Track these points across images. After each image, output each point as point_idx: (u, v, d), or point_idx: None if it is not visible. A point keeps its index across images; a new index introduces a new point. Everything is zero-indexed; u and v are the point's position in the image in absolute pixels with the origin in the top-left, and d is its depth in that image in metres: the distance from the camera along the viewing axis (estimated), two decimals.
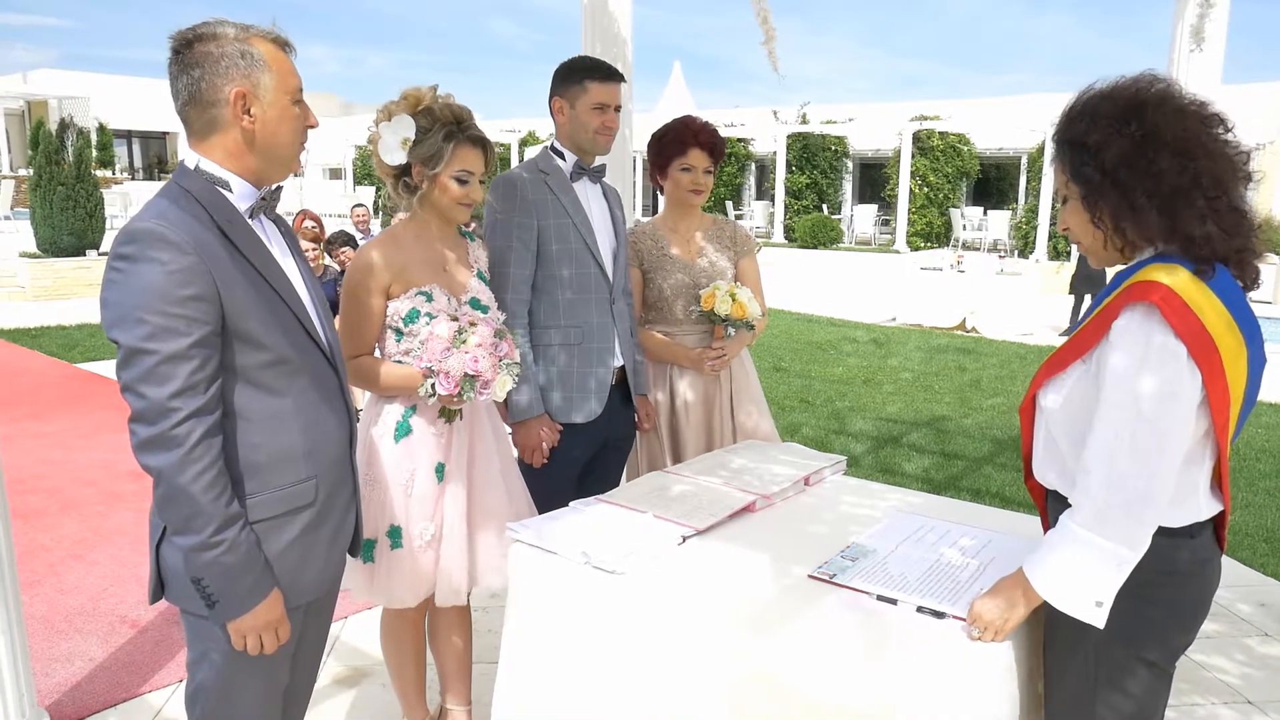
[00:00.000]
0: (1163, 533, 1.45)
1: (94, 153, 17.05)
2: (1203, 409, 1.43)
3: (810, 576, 1.79)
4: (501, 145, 26.72)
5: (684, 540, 1.98)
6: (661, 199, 3.10)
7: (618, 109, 2.68)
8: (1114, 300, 1.48)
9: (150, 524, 1.64)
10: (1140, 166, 1.44)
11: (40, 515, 4.50)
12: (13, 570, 2.35)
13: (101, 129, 25.43)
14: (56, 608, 3.50)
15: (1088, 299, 10.83)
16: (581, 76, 2.64)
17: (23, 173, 20.56)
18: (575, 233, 2.64)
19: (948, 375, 8.32)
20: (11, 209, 19.20)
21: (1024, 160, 21.43)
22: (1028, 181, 20.96)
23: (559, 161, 2.69)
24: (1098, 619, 1.45)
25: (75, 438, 5.85)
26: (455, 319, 2.14)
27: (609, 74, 2.65)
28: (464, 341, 2.10)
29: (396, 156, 2.17)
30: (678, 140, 2.90)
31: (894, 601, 1.67)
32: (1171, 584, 1.51)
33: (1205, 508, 1.51)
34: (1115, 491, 1.41)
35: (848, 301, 13.34)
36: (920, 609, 1.64)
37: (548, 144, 2.75)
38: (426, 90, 2.20)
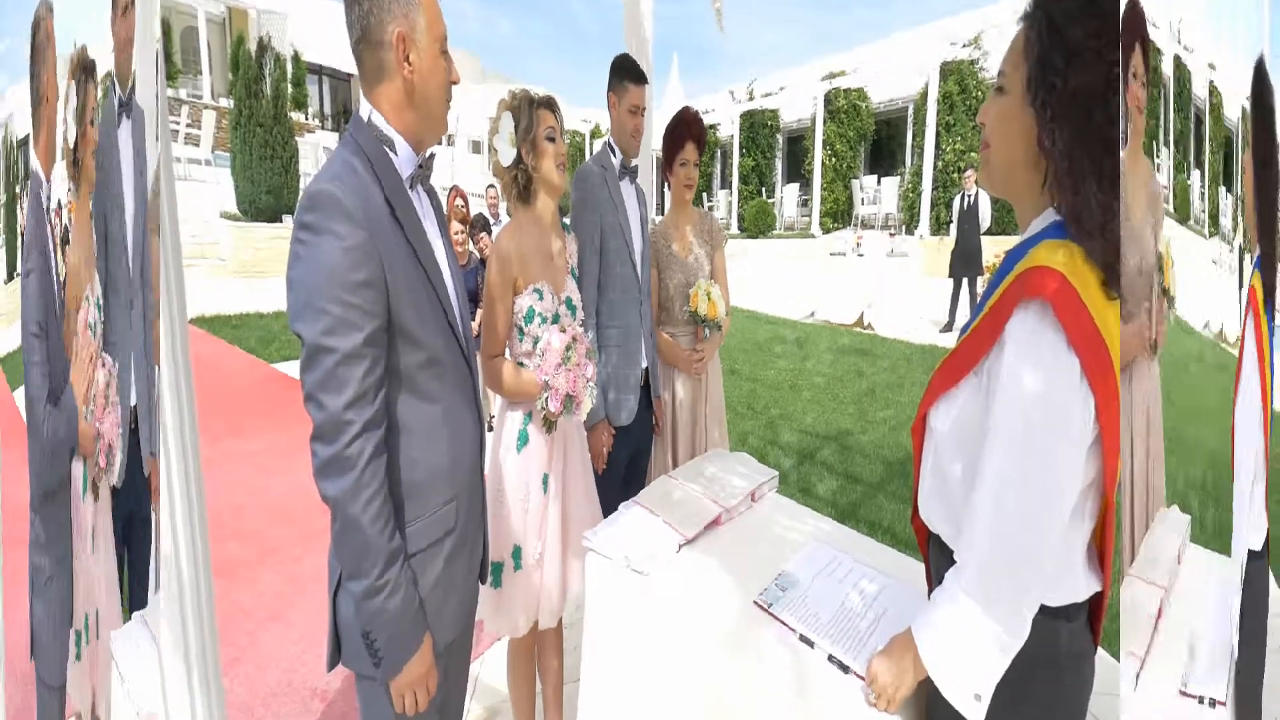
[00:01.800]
0: (1039, 611, 1.26)
1: (289, 88, 16.85)
2: (1094, 449, 1.20)
3: (755, 603, 1.76)
4: (578, 134, 24.89)
5: (679, 548, 2.01)
6: (669, 197, 3.01)
7: (644, 111, 2.68)
8: (1006, 293, 1.25)
9: (329, 568, 1.53)
10: (1103, 112, 1.15)
11: (239, 568, 3.92)
12: (215, 660, 1.79)
13: (296, 59, 23.65)
14: (255, 690, 3.02)
15: (965, 283, 10.25)
16: (623, 76, 2.64)
17: (224, 102, 20.19)
18: (621, 231, 2.62)
19: (849, 381, 7.93)
20: (213, 151, 18.25)
21: (910, 111, 19.44)
22: (914, 138, 18.89)
23: (613, 158, 2.66)
24: (976, 713, 1.28)
25: (274, 458, 5.44)
26: (565, 331, 2.15)
27: (639, 77, 2.64)
28: (569, 359, 2.10)
29: (512, 152, 2.19)
30: (675, 135, 2.81)
31: (811, 644, 1.61)
32: (1048, 675, 1.30)
33: (1084, 585, 1.30)
34: (1000, 545, 1.22)
35: (775, 295, 12.93)
36: (830, 658, 1.57)
37: (606, 139, 2.73)
38: (510, 93, 2.26)
